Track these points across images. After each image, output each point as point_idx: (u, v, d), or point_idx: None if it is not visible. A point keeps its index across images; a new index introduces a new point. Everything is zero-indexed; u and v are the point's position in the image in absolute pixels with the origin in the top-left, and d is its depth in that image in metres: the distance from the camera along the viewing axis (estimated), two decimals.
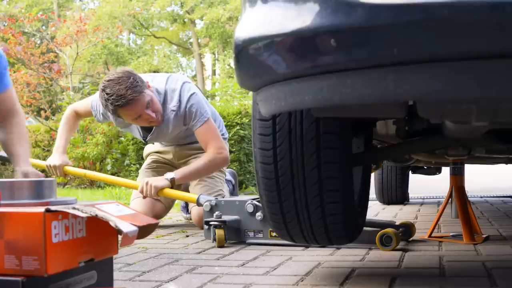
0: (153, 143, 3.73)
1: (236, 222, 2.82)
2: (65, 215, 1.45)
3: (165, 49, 29.44)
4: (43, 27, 12.67)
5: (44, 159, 8.38)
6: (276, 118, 1.68)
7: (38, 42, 11.85)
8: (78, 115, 3.64)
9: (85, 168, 7.54)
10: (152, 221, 1.69)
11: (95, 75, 17.26)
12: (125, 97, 3.04)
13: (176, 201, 3.81)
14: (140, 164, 7.09)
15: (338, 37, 1.18)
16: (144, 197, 3.23)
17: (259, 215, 2.77)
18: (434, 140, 2.05)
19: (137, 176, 7.00)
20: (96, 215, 1.48)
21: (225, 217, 2.80)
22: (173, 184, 3.19)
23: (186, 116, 3.29)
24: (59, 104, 9.33)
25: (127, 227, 1.49)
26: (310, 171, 1.71)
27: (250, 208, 2.80)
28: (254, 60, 1.37)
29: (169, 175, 3.19)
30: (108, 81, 3.10)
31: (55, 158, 3.50)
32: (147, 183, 3.16)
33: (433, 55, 1.09)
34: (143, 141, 3.57)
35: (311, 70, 1.24)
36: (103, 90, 3.09)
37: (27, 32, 10.95)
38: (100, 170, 7.56)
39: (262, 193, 1.81)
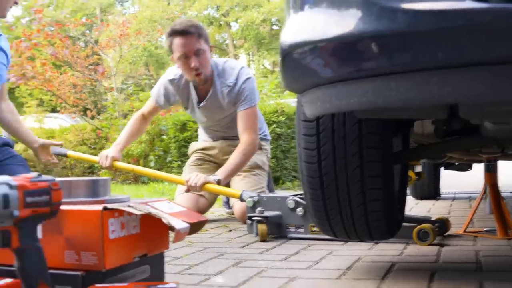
0: (204, 129, 3.81)
1: (277, 217, 2.88)
2: (121, 212, 1.53)
3: None
4: (87, 31, 12.89)
5: None
6: (320, 119, 1.74)
7: (83, 45, 12.07)
8: (143, 117, 3.72)
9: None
10: (202, 218, 1.76)
11: (137, 77, 17.48)
12: (185, 27, 3.26)
13: (218, 196, 3.88)
14: (182, 161, 7.22)
15: (383, 42, 1.22)
16: (188, 191, 3.28)
17: (299, 210, 2.83)
18: (472, 139, 2.08)
19: (179, 173, 7.14)
20: (150, 213, 1.55)
21: (267, 213, 2.87)
22: (219, 184, 3.24)
23: (238, 95, 3.40)
24: (103, 104, 9.53)
25: (179, 224, 1.57)
26: (353, 170, 1.76)
27: (291, 204, 2.86)
28: (300, 64, 1.43)
29: (215, 177, 3.24)
30: (181, 18, 3.32)
31: (110, 150, 3.58)
32: (191, 179, 3.20)
33: (474, 59, 1.13)
34: (196, 112, 3.60)
35: (356, 73, 1.29)
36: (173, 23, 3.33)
37: (72, 36, 11.19)
38: (143, 167, 7.70)
39: (307, 191, 1.87)
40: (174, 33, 3.28)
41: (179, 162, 7.24)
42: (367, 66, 1.27)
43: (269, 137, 3.86)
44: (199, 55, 3.29)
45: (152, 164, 7.61)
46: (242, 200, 3.09)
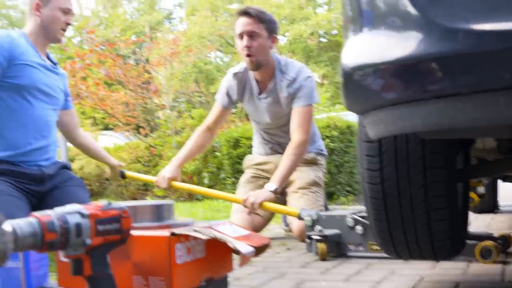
0: (261, 136, 3.82)
1: (337, 236, 2.87)
2: (187, 237, 1.55)
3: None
4: (137, 49, 13.12)
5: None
6: (382, 140, 1.73)
7: (132, 62, 12.29)
8: (208, 128, 3.73)
9: (183, 181, 7.76)
10: (265, 240, 1.77)
11: (188, 93, 17.66)
12: (248, 8, 3.44)
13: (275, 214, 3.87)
14: (235, 178, 7.25)
15: (447, 64, 1.21)
16: (249, 213, 3.30)
17: (359, 228, 2.81)
18: None
19: (232, 189, 7.18)
20: (215, 237, 1.57)
21: (326, 231, 2.86)
22: (276, 193, 3.26)
23: (296, 90, 3.44)
24: (156, 122, 9.66)
25: (244, 248, 1.58)
26: (417, 190, 1.74)
27: (350, 222, 2.84)
28: (361, 86, 1.42)
29: (270, 186, 3.25)
30: None
31: (166, 170, 3.61)
32: (249, 198, 3.22)
33: None
34: (256, 105, 3.63)
35: (420, 95, 1.28)
36: None
37: (123, 55, 11.40)
38: (197, 184, 7.75)
39: (370, 212, 1.86)
40: (237, 12, 3.49)
41: (233, 179, 7.28)
42: (432, 88, 1.26)
43: (325, 152, 3.84)
44: (252, 37, 3.39)
45: (205, 181, 7.66)
46: (300, 218, 3.08)
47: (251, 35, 3.39)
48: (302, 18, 24.79)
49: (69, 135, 3.40)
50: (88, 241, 1.28)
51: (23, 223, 1.23)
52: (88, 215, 1.28)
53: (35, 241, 1.23)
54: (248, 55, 3.40)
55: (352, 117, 8.02)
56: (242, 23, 3.40)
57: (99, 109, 9.83)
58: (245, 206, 3.23)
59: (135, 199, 8.74)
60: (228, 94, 3.65)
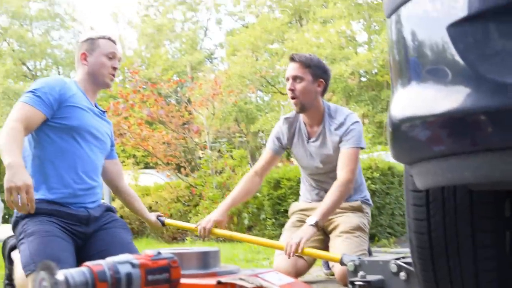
0: (308, 182, 3.85)
1: (380, 282, 2.82)
2: (233, 286, 1.55)
3: (291, 105, 29.88)
4: (178, 89, 13.32)
5: (185, 214, 8.74)
6: (429, 190, 1.72)
7: (173, 102, 12.47)
8: (255, 174, 3.79)
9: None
10: None
11: (227, 132, 17.81)
12: (300, 56, 3.56)
13: None
14: (276, 219, 7.24)
15: (497, 117, 1.21)
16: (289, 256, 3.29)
17: (402, 275, 2.76)
18: None
19: (272, 230, 7.17)
20: (261, 285, 1.57)
21: (369, 277, 2.82)
22: (319, 228, 3.26)
23: (345, 133, 3.51)
24: (197, 162, 9.73)
25: None
26: (464, 240, 1.72)
27: (393, 268, 2.80)
28: (410, 138, 1.43)
29: (311, 219, 3.25)
30: None
31: (213, 214, 3.62)
32: (290, 243, 3.20)
33: None
34: (304, 149, 3.69)
35: (470, 148, 1.28)
36: None
37: (166, 96, 11.59)
38: (237, 224, 7.77)
39: (416, 262, 1.84)
40: (289, 58, 3.61)
41: (273, 220, 7.26)
42: (481, 141, 1.26)
43: (371, 202, 3.86)
44: (296, 81, 3.52)
45: (246, 221, 7.65)
46: (342, 264, 3.06)
47: (295, 78, 3.51)
48: (342, 57, 24.88)
49: (113, 184, 3.43)
50: None
51: (75, 273, 1.26)
52: (138, 265, 1.30)
53: None
54: (292, 98, 3.53)
55: (393, 159, 7.96)
56: (290, 67, 3.56)
57: (141, 148, 9.95)
58: (288, 254, 3.19)
59: (175, 238, 8.76)
60: (278, 139, 3.75)
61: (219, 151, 9.83)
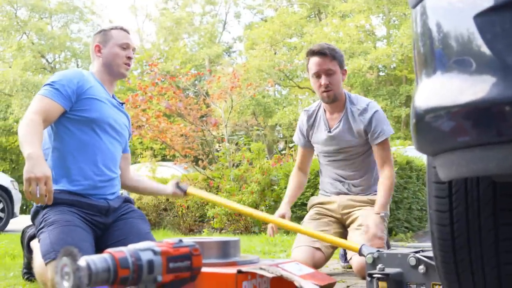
0: (326, 173, 3.87)
1: (398, 275, 2.80)
2: (254, 275, 1.55)
3: (309, 99, 29.87)
4: (196, 82, 13.33)
5: (202, 206, 8.74)
6: (452, 181, 1.70)
7: (191, 95, 12.49)
8: (299, 169, 3.97)
9: (240, 215, 7.80)
10: (331, 280, 1.76)
11: (245, 125, 17.82)
12: (321, 48, 3.58)
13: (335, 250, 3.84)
14: (293, 212, 7.21)
15: None
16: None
17: (421, 268, 2.74)
18: None
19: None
20: (282, 275, 1.57)
21: (387, 270, 2.81)
22: (387, 220, 3.44)
23: (369, 123, 3.58)
24: (215, 155, 9.74)
25: (310, 287, 1.57)
26: (487, 233, 1.71)
27: (412, 261, 2.78)
28: (434, 128, 1.42)
29: (380, 211, 3.41)
30: None
31: (280, 208, 3.74)
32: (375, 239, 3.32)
33: None
34: (325, 138, 3.73)
35: (496, 138, 1.26)
36: None
37: (184, 88, 11.61)
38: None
39: (437, 254, 1.82)
40: (311, 53, 3.62)
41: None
42: (507, 132, 1.24)
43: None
44: (329, 75, 3.57)
45: None
46: (361, 254, 3.05)
47: (328, 73, 3.57)
48: (361, 52, 24.79)
49: (121, 178, 3.44)
50: (160, 278, 1.29)
51: (97, 259, 1.26)
52: (160, 252, 1.30)
53: (109, 277, 1.26)
54: (327, 91, 3.58)
55: (411, 153, 7.93)
56: (318, 62, 3.57)
57: (159, 140, 9.98)
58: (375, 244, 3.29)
59: (191, 230, 8.79)
60: (301, 132, 3.87)
61: (236, 144, 9.83)
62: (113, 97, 3.27)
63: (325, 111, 3.75)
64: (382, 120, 3.60)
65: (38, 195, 2.58)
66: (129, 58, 3.24)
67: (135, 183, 3.51)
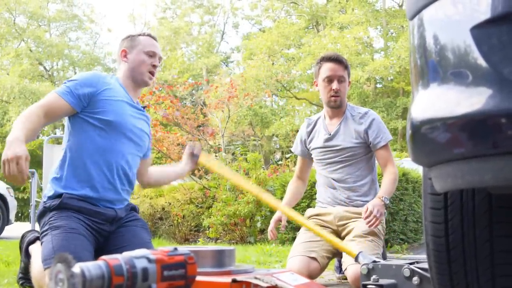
0: (324, 181, 3.85)
1: (392, 286, 2.81)
2: (248, 284, 1.55)
3: (306, 110, 29.93)
4: (194, 91, 13.35)
5: (198, 215, 8.74)
6: (448, 193, 1.70)
7: (189, 104, 12.49)
8: (297, 178, 4.09)
9: (235, 225, 7.79)
10: None
11: (242, 135, 17.82)
12: (337, 55, 3.76)
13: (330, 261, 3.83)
14: (289, 222, 7.20)
15: None
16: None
17: (415, 279, 2.75)
18: None
19: (285, 234, 7.14)
20: (276, 285, 1.56)
21: (382, 281, 2.80)
22: (386, 206, 3.51)
23: (370, 125, 3.69)
24: None
25: None
26: (482, 245, 1.71)
27: (406, 273, 2.78)
28: (430, 140, 1.42)
29: (383, 195, 3.48)
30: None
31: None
32: (374, 214, 3.37)
33: None
34: (322, 144, 3.79)
35: (492, 150, 1.27)
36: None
37: (181, 98, 11.61)
38: (250, 227, 7.77)
39: (432, 265, 1.82)
40: (326, 59, 3.75)
41: (286, 223, 7.25)
42: (503, 144, 1.24)
43: (387, 201, 3.84)
44: (341, 82, 3.71)
45: (258, 224, 7.65)
46: (356, 261, 3.04)
47: (340, 80, 3.71)
48: (359, 63, 24.86)
49: (140, 180, 3.46)
50: (154, 286, 1.29)
51: (92, 266, 1.26)
52: (154, 260, 1.30)
53: (103, 284, 1.25)
54: (335, 96, 3.71)
55: (408, 165, 7.94)
56: (333, 68, 3.71)
57: (155, 149, 9.97)
58: (371, 218, 3.37)
59: (187, 240, 8.77)
60: (301, 140, 3.95)
61: (233, 153, 9.83)
62: (136, 103, 3.25)
63: (325, 117, 3.84)
64: (382, 125, 3.72)
65: (11, 175, 2.55)
66: (154, 66, 3.21)
67: (154, 182, 3.52)
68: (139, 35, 3.25)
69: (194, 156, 3.52)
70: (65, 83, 3.00)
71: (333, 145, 3.75)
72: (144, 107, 3.29)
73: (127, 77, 3.20)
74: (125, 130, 3.06)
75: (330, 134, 3.76)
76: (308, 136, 3.89)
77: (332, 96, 3.70)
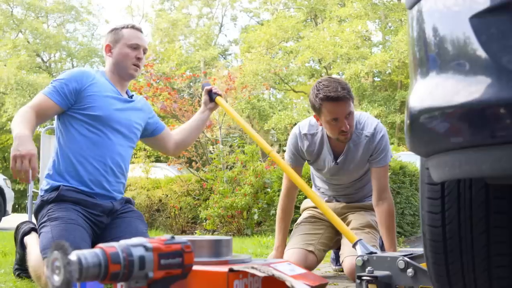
0: (322, 189, 3.82)
1: (387, 277, 2.81)
2: (245, 274, 1.55)
3: (303, 103, 29.91)
4: (191, 83, 13.32)
5: (195, 207, 8.75)
6: (445, 183, 1.70)
7: (186, 96, 12.47)
8: (286, 195, 3.65)
9: (232, 217, 7.80)
10: (323, 280, 1.75)
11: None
12: (339, 92, 3.17)
13: (326, 253, 3.84)
14: None
15: None
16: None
17: (410, 271, 2.75)
18: None
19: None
20: (273, 275, 1.56)
21: (377, 272, 2.81)
22: None
23: (375, 150, 3.41)
24: (209, 157, 9.72)
25: (302, 287, 1.57)
26: (479, 235, 1.71)
27: (401, 264, 2.78)
28: (428, 129, 1.42)
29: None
30: (327, 78, 3.32)
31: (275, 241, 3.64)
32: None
33: None
34: (328, 168, 3.55)
35: (489, 140, 1.26)
36: (319, 83, 3.28)
37: (178, 90, 11.59)
38: (247, 219, 7.77)
39: (428, 255, 1.82)
40: (327, 98, 3.20)
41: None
42: (501, 134, 1.24)
43: None
44: (348, 118, 3.28)
45: (255, 216, 7.66)
46: (353, 246, 3.02)
47: (348, 117, 3.28)
48: (359, 57, 24.82)
49: (170, 149, 3.50)
50: (151, 274, 1.29)
51: (88, 253, 1.26)
52: (151, 249, 1.30)
53: (99, 272, 1.25)
54: (346, 134, 3.34)
55: (405, 158, 7.94)
56: (336, 110, 3.23)
57: None
58: None
59: (184, 231, 8.78)
60: (298, 154, 3.56)
61: (230, 146, 9.82)
62: (126, 92, 3.27)
63: (329, 138, 3.47)
64: (387, 144, 3.44)
65: (22, 171, 2.60)
66: (139, 59, 3.21)
67: (181, 141, 3.51)
68: (123, 27, 3.24)
69: (214, 94, 3.49)
70: (51, 83, 3.06)
71: (341, 174, 3.58)
72: (131, 96, 3.30)
73: (112, 72, 3.22)
74: (113, 123, 3.09)
75: (337, 162, 3.49)
76: (310, 155, 3.55)
77: (342, 134, 3.31)
